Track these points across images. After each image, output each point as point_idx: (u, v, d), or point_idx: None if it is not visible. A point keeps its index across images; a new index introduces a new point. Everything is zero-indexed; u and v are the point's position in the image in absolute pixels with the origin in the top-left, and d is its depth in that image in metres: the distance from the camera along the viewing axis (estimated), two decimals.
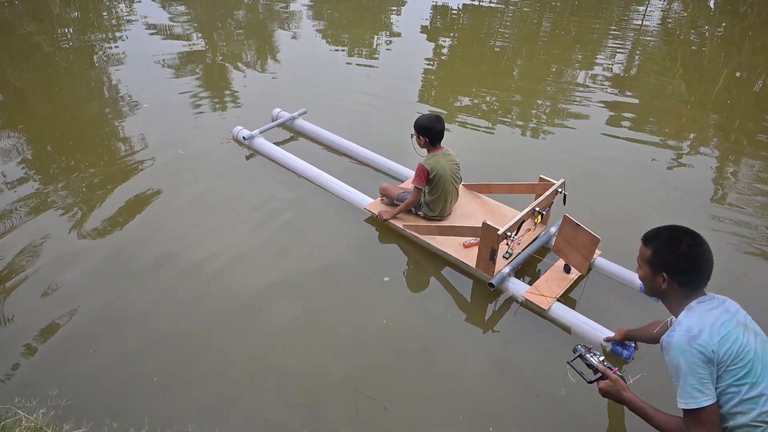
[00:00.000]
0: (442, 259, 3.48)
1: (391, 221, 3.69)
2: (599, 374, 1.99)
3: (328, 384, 2.68)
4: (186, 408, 2.55)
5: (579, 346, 2.13)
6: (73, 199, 3.94)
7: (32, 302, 3.07)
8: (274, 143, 4.64)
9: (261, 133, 4.70)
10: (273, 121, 4.95)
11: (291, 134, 5.02)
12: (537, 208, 3.27)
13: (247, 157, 4.60)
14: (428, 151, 3.59)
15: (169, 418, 2.48)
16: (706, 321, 1.61)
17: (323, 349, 2.87)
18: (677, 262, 1.71)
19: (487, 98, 6.01)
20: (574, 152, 4.86)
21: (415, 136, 3.58)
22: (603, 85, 6.37)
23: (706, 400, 1.55)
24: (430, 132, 3.50)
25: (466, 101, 5.93)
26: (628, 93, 6.28)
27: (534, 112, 5.75)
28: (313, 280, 3.30)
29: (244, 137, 4.63)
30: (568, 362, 2.16)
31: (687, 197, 4.22)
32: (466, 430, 2.49)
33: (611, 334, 2.81)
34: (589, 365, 2.04)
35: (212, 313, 3.06)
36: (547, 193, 3.34)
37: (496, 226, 2.98)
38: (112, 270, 3.33)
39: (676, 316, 1.74)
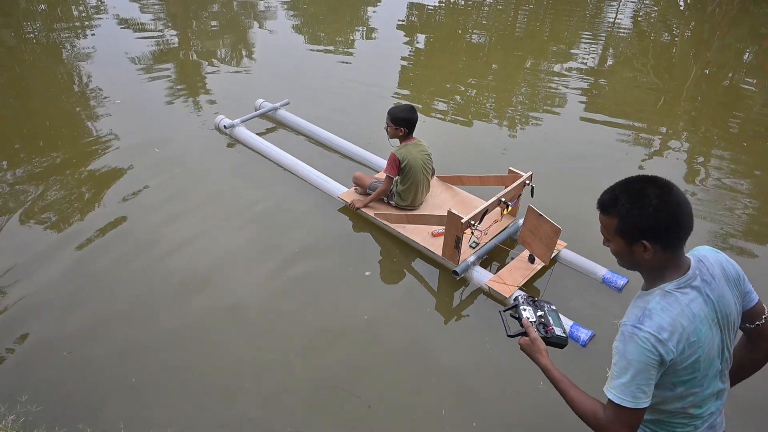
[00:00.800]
0: (418, 252, 3.44)
1: (363, 210, 3.65)
2: (522, 330, 1.72)
3: (311, 383, 2.60)
4: (164, 411, 2.44)
5: (520, 297, 1.81)
6: (43, 198, 3.77)
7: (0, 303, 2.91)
8: (257, 134, 4.59)
9: (242, 122, 4.65)
10: (255, 110, 4.92)
11: (273, 125, 4.97)
12: (503, 199, 3.23)
13: (229, 145, 4.55)
14: (401, 141, 3.55)
15: (146, 422, 2.36)
16: (680, 323, 1.41)
17: (307, 347, 2.79)
18: (655, 223, 1.38)
19: (463, 91, 5.96)
20: (548, 145, 4.83)
21: (388, 126, 3.54)
22: (576, 79, 6.34)
23: (645, 402, 1.43)
24: (403, 122, 3.45)
25: (441, 94, 5.88)
26: (602, 88, 6.26)
27: (509, 105, 5.71)
28: (295, 276, 3.22)
29: (225, 126, 4.58)
30: (500, 312, 1.89)
31: None
32: (449, 425, 2.44)
33: (570, 322, 2.78)
34: (518, 318, 1.75)
35: (191, 312, 2.95)
36: (514, 184, 3.30)
37: (461, 215, 2.94)
38: (86, 269, 3.18)
39: (648, 288, 1.49)
